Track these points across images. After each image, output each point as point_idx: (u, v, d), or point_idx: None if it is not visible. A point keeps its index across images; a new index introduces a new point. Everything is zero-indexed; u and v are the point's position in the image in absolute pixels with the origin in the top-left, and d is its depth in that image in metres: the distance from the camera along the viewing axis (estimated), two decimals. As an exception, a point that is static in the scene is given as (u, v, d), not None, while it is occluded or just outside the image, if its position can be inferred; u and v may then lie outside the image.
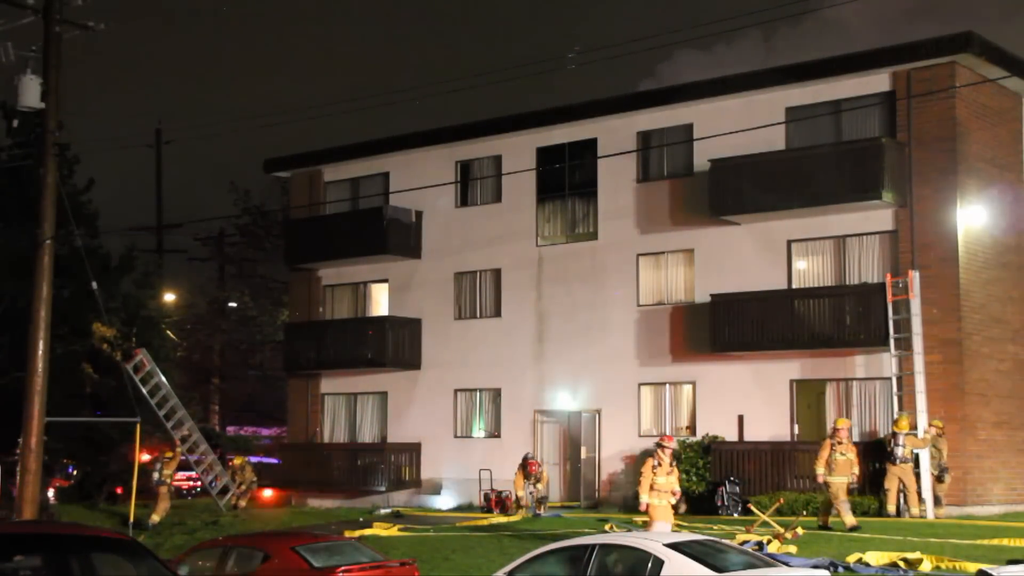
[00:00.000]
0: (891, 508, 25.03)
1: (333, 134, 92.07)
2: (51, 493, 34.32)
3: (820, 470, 23.08)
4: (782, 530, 20.75)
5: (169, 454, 32.44)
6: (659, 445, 20.00)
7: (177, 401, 34.34)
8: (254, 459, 39.39)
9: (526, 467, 28.99)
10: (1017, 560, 14.73)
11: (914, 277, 26.09)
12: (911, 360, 26.07)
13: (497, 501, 30.11)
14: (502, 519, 27.43)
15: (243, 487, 34.26)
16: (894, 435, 25.11)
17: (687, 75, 36.07)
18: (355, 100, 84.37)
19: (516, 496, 29.14)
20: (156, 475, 31.83)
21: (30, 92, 23.45)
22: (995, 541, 20.32)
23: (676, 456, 28.10)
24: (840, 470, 22.99)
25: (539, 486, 28.84)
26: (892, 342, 26.27)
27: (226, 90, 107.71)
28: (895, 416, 25.84)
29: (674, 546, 13.79)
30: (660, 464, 19.65)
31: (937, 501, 25.31)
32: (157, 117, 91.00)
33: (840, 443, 23.13)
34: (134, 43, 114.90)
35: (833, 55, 29.34)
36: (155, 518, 30.78)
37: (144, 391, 33.41)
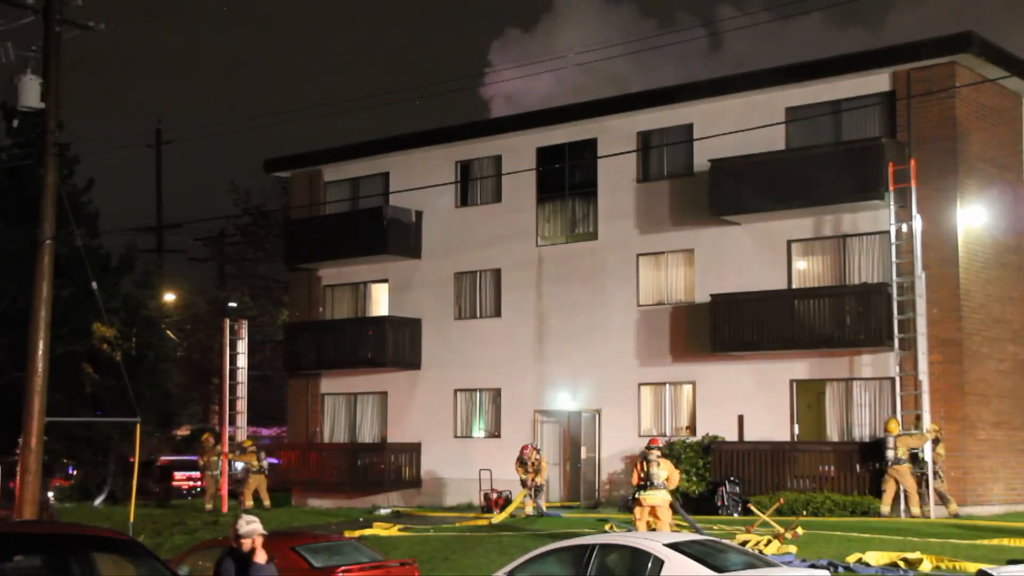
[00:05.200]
0: (884, 509, 25.04)
1: (333, 134, 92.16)
2: (51, 493, 34.32)
3: None
4: (782, 530, 20.75)
5: (248, 443, 33.19)
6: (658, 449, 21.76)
7: (244, 387, 33.99)
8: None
9: (520, 454, 28.60)
10: (1017, 560, 14.72)
11: (920, 278, 26.10)
12: (912, 360, 26.09)
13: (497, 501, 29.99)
14: (498, 518, 27.30)
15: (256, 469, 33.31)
16: (885, 439, 25.24)
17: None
18: (355, 100, 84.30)
19: (521, 482, 28.51)
20: (257, 463, 32.93)
21: (30, 92, 23.44)
22: (995, 541, 20.32)
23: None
24: None
25: (538, 479, 28.45)
26: (896, 342, 26.29)
27: (226, 90, 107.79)
28: (886, 419, 25.95)
29: (674, 546, 13.80)
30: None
31: (943, 499, 25.25)
32: (157, 117, 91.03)
33: None
34: (134, 43, 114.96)
35: (833, 55, 29.36)
36: (248, 503, 32.18)
37: (227, 354, 33.91)
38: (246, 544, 11.62)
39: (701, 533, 19.87)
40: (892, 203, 26.61)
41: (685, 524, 22.37)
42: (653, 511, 21.08)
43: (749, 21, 41.21)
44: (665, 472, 21.14)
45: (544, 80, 39.95)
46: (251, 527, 11.65)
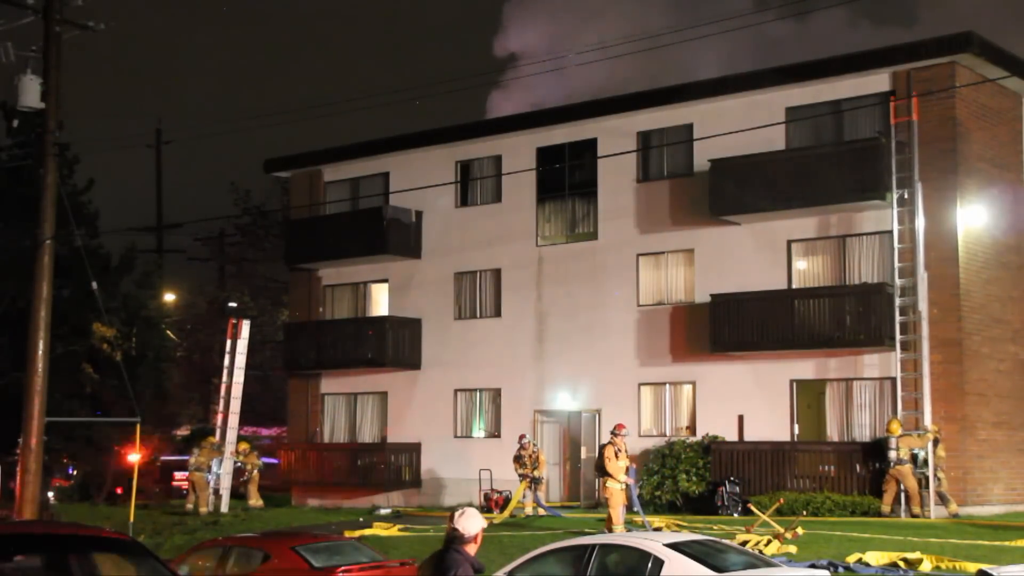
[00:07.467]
0: (884, 509, 25.06)
1: (333, 134, 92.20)
2: (51, 493, 34.33)
3: None
4: (782, 530, 20.74)
5: (244, 446, 33.47)
6: (616, 434, 23.21)
7: (239, 387, 33.86)
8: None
9: (519, 449, 28.50)
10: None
11: (922, 278, 26.12)
12: (912, 360, 26.08)
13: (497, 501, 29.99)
14: (500, 518, 27.27)
15: (250, 471, 33.54)
16: (887, 439, 25.24)
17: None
18: (355, 100, 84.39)
19: (520, 476, 28.43)
20: (248, 467, 33.40)
21: (30, 92, 23.45)
22: (995, 541, 20.32)
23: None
24: None
25: (536, 472, 28.14)
26: (898, 342, 26.30)
27: (226, 90, 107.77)
28: (888, 419, 25.96)
29: (674, 546, 13.80)
30: (620, 451, 22.94)
31: (943, 499, 25.25)
32: (157, 117, 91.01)
33: None
34: (134, 43, 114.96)
35: (833, 55, 29.35)
36: (253, 502, 32.74)
37: (227, 353, 34.08)
38: (480, 538, 9.43)
39: (643, 517, 23.39)
40: (895, 200, 26.62)
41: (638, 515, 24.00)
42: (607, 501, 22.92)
43: (779, 15, 40.88)
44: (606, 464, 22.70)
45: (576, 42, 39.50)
46: (473, 520, 9.36)
